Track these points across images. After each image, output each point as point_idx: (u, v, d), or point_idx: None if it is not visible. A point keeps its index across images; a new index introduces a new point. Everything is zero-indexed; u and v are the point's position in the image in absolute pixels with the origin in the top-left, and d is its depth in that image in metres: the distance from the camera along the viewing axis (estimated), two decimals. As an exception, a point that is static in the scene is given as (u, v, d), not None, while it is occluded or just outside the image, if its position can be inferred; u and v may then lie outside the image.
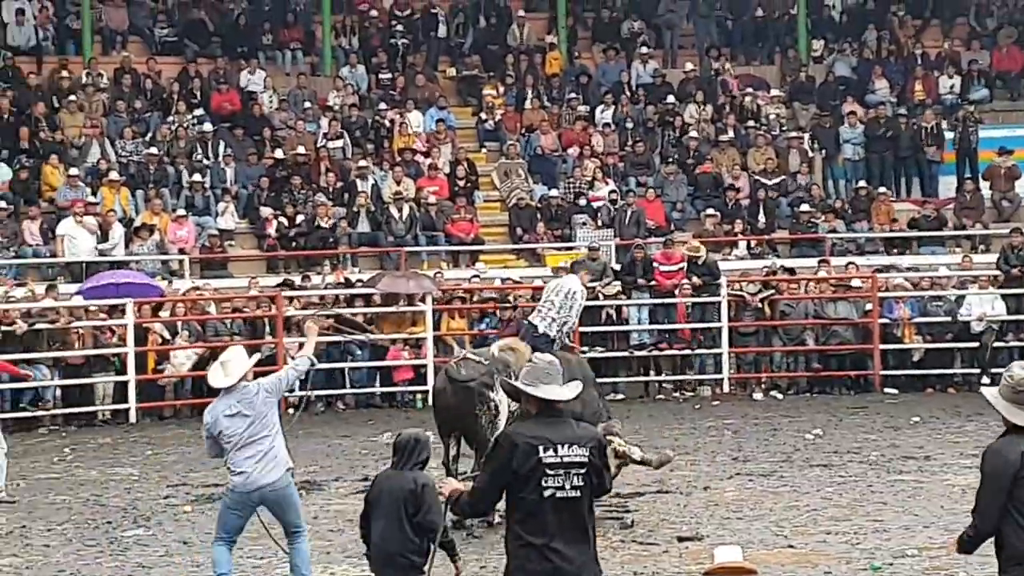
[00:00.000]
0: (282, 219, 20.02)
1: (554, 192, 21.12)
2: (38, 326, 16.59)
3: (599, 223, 20.70)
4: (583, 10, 25.06)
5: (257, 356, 8.82)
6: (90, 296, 17.42)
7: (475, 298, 18.47)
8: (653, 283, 18.51)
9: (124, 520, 11.24)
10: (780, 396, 18.04)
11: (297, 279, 18.80)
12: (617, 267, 18.92)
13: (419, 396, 17.95)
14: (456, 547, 6.81)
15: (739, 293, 18.47)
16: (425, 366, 17.85)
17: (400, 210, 20.23)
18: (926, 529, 10.12)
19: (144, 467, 13.74)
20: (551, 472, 5.53)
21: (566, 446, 5.57)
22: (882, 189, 21.44)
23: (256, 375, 18.20)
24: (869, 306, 18.28)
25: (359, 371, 18.09)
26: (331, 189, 20.65)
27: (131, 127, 21.10)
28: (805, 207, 20.80)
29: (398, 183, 20.68)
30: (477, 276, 19.09)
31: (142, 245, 19.14)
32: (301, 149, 21.04)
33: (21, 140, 20.37)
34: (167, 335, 17.44)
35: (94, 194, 19.70)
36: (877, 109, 22.55)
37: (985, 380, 16.23)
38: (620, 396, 17.79)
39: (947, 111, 22.81)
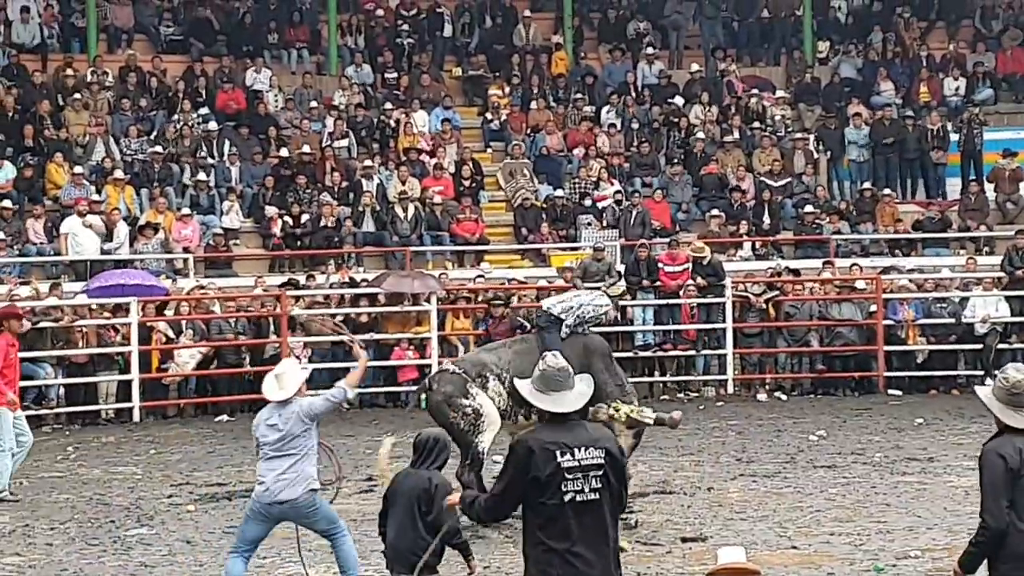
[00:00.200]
0: (287, 218, 20.03)
1: (559, 192, 21.12)
2: (42, 325, 16.59)
3: (604, 223, 20.71)
4: (589, 10, 25.06)
5: (310, 369, 8.78)
6: (95, 296, 17.42)
7: (480, 298, 18.46)
8: (658, 284, 18.50)
9: (127, 519, 11.24)
10: (784, 397, 18.03)
11: (302, 278, 18.79)
12: (622, 268, 18.91)
13: (423, 396, 17.92)
14: (470, 548, 6.82)
15: (743, 294, 18.46)
16: (429, 366, 17.83)
17: (405, 210, 20.23)
18: (930, 531, 10.11)
19: (147, 466, 13.75)
20: (570, 476, 5.52)
21: (583, 449, 5.56)
22: (887, 191, 21.43)
23: (261, 375, 18.28)
24: (873, 307, 18.27)
25: (363, 370, 18.06)
26: (336, 188, 20.66)
27: (136, 125, 21.12)
28: (810, 208, 20.80)
29: (403, 183, 20.68)
30: (482, 276, 19.10)
31: (146, 244, 19.15)
32: (306, 148, 21.04)
33: (26, 138, 20.39)
34: (171, 334, 17.44)
35: (99, 192, 19.71)
36: (882, 111, 22.54)
37: (988, 382, 16.20)
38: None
39: (952, 113, 22.80)
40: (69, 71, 21.62)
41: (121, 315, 17.06)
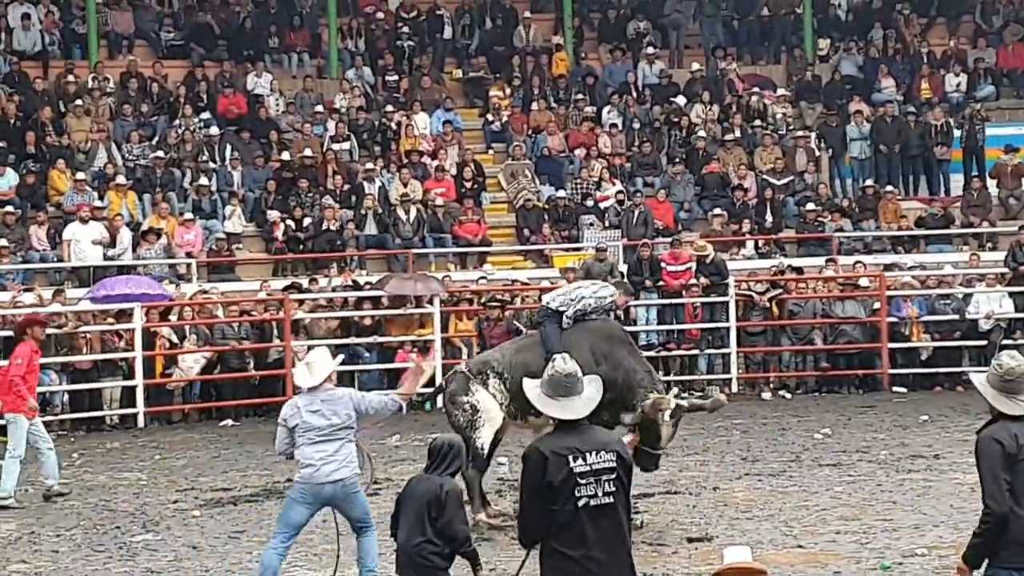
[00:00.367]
0: (289, 222, 20.03)
1: (561, 193, 21.12)
2: (46, 331, 16.56)
3: (606, 224, 20.70)
4: (589, 11, 25.07)
5: (341, 358, 8.87)
6: (100, 303, 17.40)
7: (483, 299, 18.44)
8: (661, 283, 18.50)
9: (133, 525, 11.23)
10: (788, 395, 18.02)
11: (304, 282, 18.79)
12: (624, 268, 18.91)
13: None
14: (479, 556, 6.81)
15: (747, 293, 18.45)
16: (433, 368, 17.83)
17: (407, 212, 20.24)
18: (936, 528, 10.09)
19: (152, 471, 13.75)
20: (583, 481, 5.49)
21: (594, 453, 5.54)
22: (889, 188, 21.42)
23: (266, 379, 18.26)
24: (877, 305, 18.26)
25: (367, 373, 18.08)
26: (338, 192, 20.67)
27: (138, 131, 21.14)
28: (812, 206, 20.79)
29: (405, 185, 20.69)
30: (484, 277, 19.09)
31: (149, 249, 19.16)
32: (308, 152, 21.05)
33: (28, 145, 20.41)
34: (175, 339, 17.45)
35: (101, 198, 19.72)
36: (884, 108, 22.53)
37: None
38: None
39: (953, 109, 22.78)
40: (70, 77, 21.64)
41: (125, 321, 17.06)
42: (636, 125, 22.53)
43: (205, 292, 18.32)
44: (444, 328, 17.97)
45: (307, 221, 20.07)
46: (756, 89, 23.31)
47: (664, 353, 18.47)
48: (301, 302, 18.07)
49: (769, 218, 20.88)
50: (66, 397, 16.93)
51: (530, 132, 22.48)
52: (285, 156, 21.15)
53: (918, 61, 23.93)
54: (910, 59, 24.13)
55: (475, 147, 22.37)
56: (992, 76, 23.67)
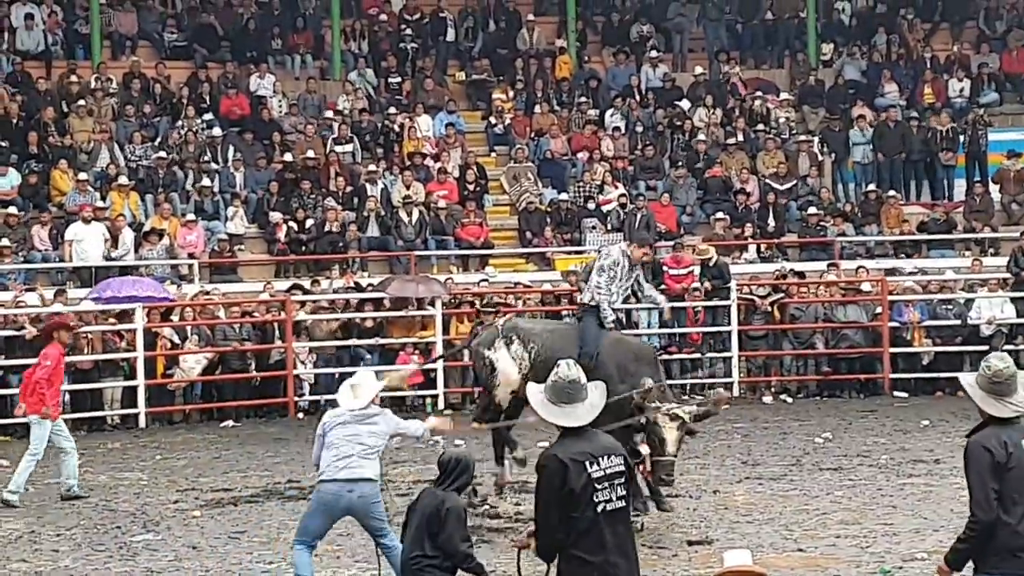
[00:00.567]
0: (291, 223, 20.03)
1: (563, 196, 21.12)
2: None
3: (608, 227, 20.70)
4: (592, 14, 25.07)
5: (384, 382, 8.94)
6: (104, 304, 17.40)
7: (484, 301, 18.44)
8: (663, 287, 18.47)
9: (133, 525, 11.24)
10: (790, 399, 18.01)
11: (306, 283, 18.80)
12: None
13: (429, 400, 17.97)
14: (483, 569, 6.81)
15: (749, 297, 18.44)
16: (435, 370, 17.85)
17: (409, 214, 20.24)
18: (936, 533, 10.08)
19: (153, 472, 13.76)
20: (599, 486, 5.52)
21: (606, 457, 5.58)
22: (891, 192, 21.42)
23: (267, 380, 18.26)
24: (878, 309, 18.25)
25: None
26: (340, 193, 20.67)
27: (140, 132, 21.14)
28: (814, 210, 20.78)
29: (407, 187, 20.69)
30: (486, 280, 19.09)
31: (151, 250, 19.16)
32: (311, 153, 21.05)
33: (30, 145, 20.42)
34: (176, 339, 17.45)
35: (103, 199, 19.72)
36: (887, 112, 22.52)
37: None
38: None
39: (957, 114, 22.77)
40: (73, 78, 21.65)
41: (126, 321, 17.06)
42: (639, 128, 22.53)
43: (206, 293, 18.32)
44: (446, 330, 17.96)
45: (309, 223, 20.07)
46: (759, 93, 23.31)
47: (666, 356, 18.42)
48: (303, 303, 18.07)
49: (771, 222, 20.87)
50: (67, 397, 16.88)
51: (533, 135, 22.49)
52: (288, 157, 21.16)
53: (921, 66, 23.92)
54: (913, 64, 24.12)
55: (478, 149, 22.37)
56: (995, 81, 23.66)
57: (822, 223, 20.72)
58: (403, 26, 23.89)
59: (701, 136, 22.21)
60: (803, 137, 22.54)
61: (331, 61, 23.59)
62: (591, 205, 21.05)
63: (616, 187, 21.31)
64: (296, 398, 17.50)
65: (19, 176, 20.01)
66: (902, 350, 18.27)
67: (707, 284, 18.30)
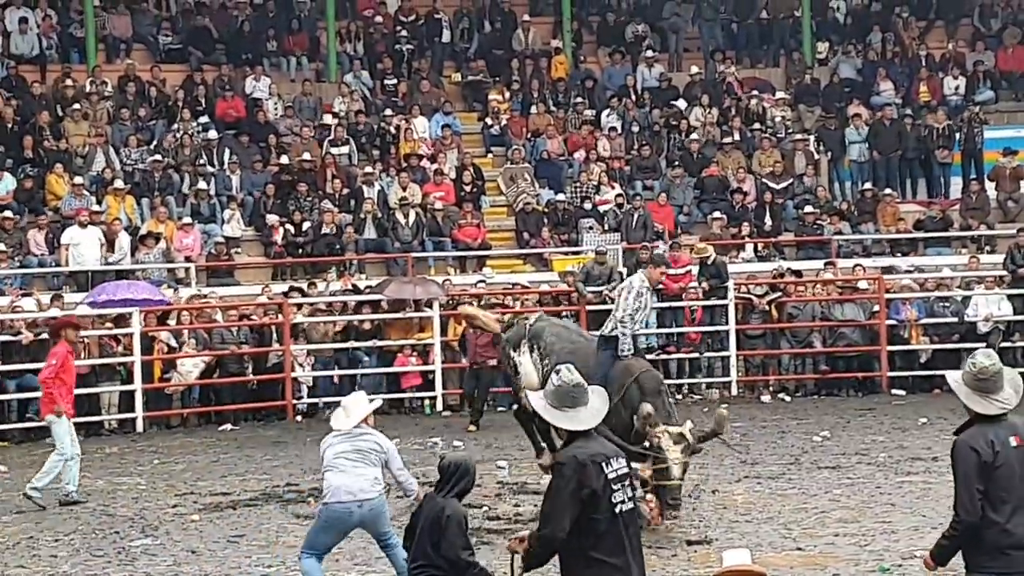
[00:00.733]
0: (288, 226, 20.02)
1: (560, 196, 21.12)
2: (44, 336, 16.56)
3: (606, 227, 20.70)
4: (588, 14, 25.07)
5: (378, 402, 8.99)
6: (100, 309, 17.37)
7: (482, 303, 18.43)
8: (660, 287, 18.46)
9: (131, 530, 11.23)
10: (788, 398, 18.01)
11: (304, 286, 18.77)
12: (624, 271, 18.89)
13: (427, 402, 17.96)
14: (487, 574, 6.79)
15: (746, 296, 18.44)
16: (433, 372, 17.84)
17: (406, 216, 20.23)
18: (934, 530, 10.02)
19: (151, 476, 13.74)
20: (615, 487, 5.54)
21: (616, 459, 5.63)
22: (888, 191, 21.42)
23: (265, 384, 18.22)
24: (876, 308, 18.25)
25: (367, 377, 18.07)
26: (337, 196, 20.66)
27: (136, 135, 21.11)
28: (811, 209, 20.79)
29: (404, 189, 20.68)
30: (484, 281, 19.08)
31: (148, 253, 19.14)
32: (307, 156, 21.04)
33: (25, 149, 20.39)
34: (174, 343, 17.43)
35: (99, 203, 19.70)
36: (882, 111, 22.53)
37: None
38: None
39: (952, 112, 22.78)
40: (68, 81, 21.62)
41: (123, 325, 17.03)
42: (635, 128, 22.54)
43: (203, 297, 18.30)
44: (444, 332, 17.95)
45: (306, 225, 20.05)
46: (755, 92, 23.32)
47: (664, 356, 18.44)
48: (300, 306, 18.05)
49: (768, 221, 20.88)
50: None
51: (529, 135, 22.48)
52: (284, 160, 21.14)
53: (916, 64, 23.93)
54: (908, 62, 24.13)
55: (474, 151, 22.36)
56: (991, 79, 23.67)
57: (819, 222, 20.73)
58: (398, 28, 23.88)
59: (694, 136, 22.22)
60: (799, 136, 22.55)
61: (327, 63, 23.59)
62: (588, 205, 21.04)
63: (613, 187, 21.31)
64: (294, 401, 17.48)
65: (14, 180, 19.98)
66: (900, 348, 18.27)
67: (704, 284, 18.29)
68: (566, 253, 20.32)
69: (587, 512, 5.46)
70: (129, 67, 22.26)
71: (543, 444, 11.90)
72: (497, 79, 23.53)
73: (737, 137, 22.33)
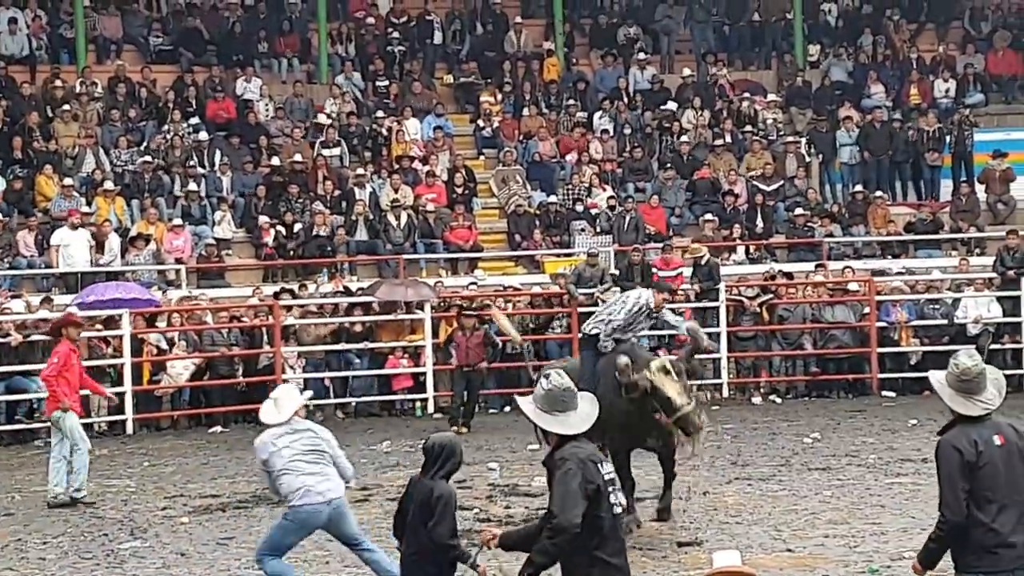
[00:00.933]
0: (279, 228, 19.98)
1: (552, 198, 21.11)
2: (33, 337, 16.52)
3: (598, 229, 20.70)
4: (580, 16, 25.08)
5: (309, 394, 8.96)
6: (88, 309, 17.33)
7: (474, 305, 18.41)
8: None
9: (121, 532, 11.19)
10: (778, 400, 18.02)
11: (295, 288, 18.74)
12: (616, 273, 18.90)
13: (419, 404, 17.94)
14: (465, 556, 6.69)
15: (737, 298, 18.46)
16: (424, 374, 17.82)
17: (398, 218, 20.21)
18: (924, 532, 9.96)
19: (141, 479, 13.70)
20: (611, 488, 5.59)
21: (606, 462, 5.68)
22: (878, 193, 21.46)
23: (255, 386, 18.19)
24: (866, 310, 18.28)
25: (359, 379, 18.05)
26: (328, 197, 20.63)
27: (126, 136, 21.07)
28: (802, 211, 20.81)
29: (396, 191, 20.66)
30: (475, 283, 19.07)
31: (138, 255, 19.10)
32: (298, 157, 21.01)
33: (15, 150, 20.34)
34: (164, 346, 17.39)
35: (89, 204, 19.65)
36: (873, 113, 22.56)
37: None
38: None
39: (942, 115, 22.83)
40: (58, 82, 21.56)
41: (113, 327, 16.99)
42: (627, 131, 22.54)
43: (192, 298, 18.26)
44: (435, 334, 17.92)
45: (297, 227, 20.03)
46: (747, 95, 23.35)
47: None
48: (291, 308, 18.02)
49: (759, 223, 20.90)
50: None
51: (521, 137, 22.48)
52: (275, 161, 21.11)
53: (907, 67, 23.98)
54: (899, 65, 24.18)
55: (466, 152, 22.35)
56: (981, 82, 23.72)
57: (809, 224, 20.75)
58: (390, 29, 23.86)
59: (686, 138, 22.23)
60: (790, 138, 22.57)
61: (318, 64, 23.56)
62: (580, 207, 21.04)
63: (605, 189, 21.31)
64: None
65: (4, 182, 19.94)
66: (890, 350, 18.29)
67: (697, 286, 18.29)
68: (558, 255, 20.32)
69: (592, 509, 5.48)
70: (119, 68, 22.21)
71: None
72: (489, 81, 23.52)
73: (729, 139, 22.35)
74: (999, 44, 24.29)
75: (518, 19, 24.40)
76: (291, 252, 19.89)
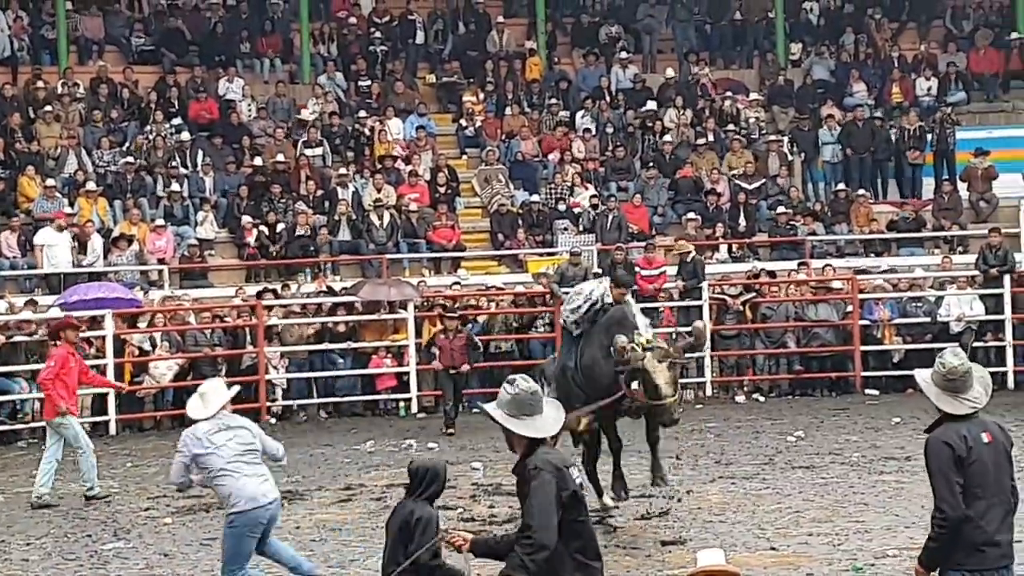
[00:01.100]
0: (262, 228, 19.94)
1: (535, 198, 21.11)
2: (16, 339, 16.46)
3: (580, 228, 20.71)
4: (562, 15, 25.08)
5: (235, 389, 8.89)
6: (72, 310, 17.26)
7: (457, 304, 18.41)
8: (635, 288, 18.48)
9: (104, 533, 11.17)
10: (762, 398, 18.07)
11: (278, 288, 18.70)
12: (599, 271, 18.90)
13: (402, 404, 17.92)
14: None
15: (721, 296, 18.49)
16: (408, 374, 17.81)
17: (381, 217, 20.18)
18: (907, 529, 10.12)
19: (124, 480, 13.66)
20: (583, 493, 5.64)
21: (575, 467, 5.68)
22: (861, 191, 21.51)
23: (238, 386, 18.12)
24: (849, 308, 18.33)
25: (342, 379, 18.03)
26: (311, 197, 20.59)
27: (108, 137, 20.99)
28: (784, 210, 20.85)
29: (379, 190, 20.64)
30: (459, 283, 19.06)
31: (120, 256, 19.03)
32: (280, 157, 20.97)
33: (-3, 151, 20.25)
34: (146, 346, 17.33)
35: (71, 205, 19.58)
36: (855, 112, 22.63)
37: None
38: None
39: (924, 113, 22.91)
40: (39, 83, 21.48)
41: (96, 328, 16.93)
42: (609, 130, 22.56)
43: (175, 299, 18.20)
44: (418, 333, 17.91)
45: (280, 227, 19.98)
46: (729, 93, 23.38)
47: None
48: (273, 308, 17.98)
49: (742, 222, 20.94)
50: (36, 405, 16.75)
51: (504, 137, 22.48)
52: (257, 162, 21.06)
53: (889, 65, 24.05)
54: (881, 63, 24.25)
55: (449, 152, 22.34)
56: (962, 80, 23.79)
57: (792, 222, 20.79)
58: (372, 29, 23.83)
59: (668, 137, 22.25)
60: (772, 137, 22.63)
61: (300, 65, 23.52)
62: (562, 207, 21.05)
63: (587, 188, 21.33)
64: (268, 403, 17.41)
65: (-14, 183, 19.84)
66: (873, 348, 18.35)
67: (681, 283, 18.32)
68: (541, 254, 20.33)
69: (572, 515, 5.47)
70: (101, 69, 22.13)
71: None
72: (471, 80, 23.51)
73: (711, 138, 22.38)
74: (981, 42, 24.38)
75: (500, 18, 24.40)
76: (274, 252, 19.84)
